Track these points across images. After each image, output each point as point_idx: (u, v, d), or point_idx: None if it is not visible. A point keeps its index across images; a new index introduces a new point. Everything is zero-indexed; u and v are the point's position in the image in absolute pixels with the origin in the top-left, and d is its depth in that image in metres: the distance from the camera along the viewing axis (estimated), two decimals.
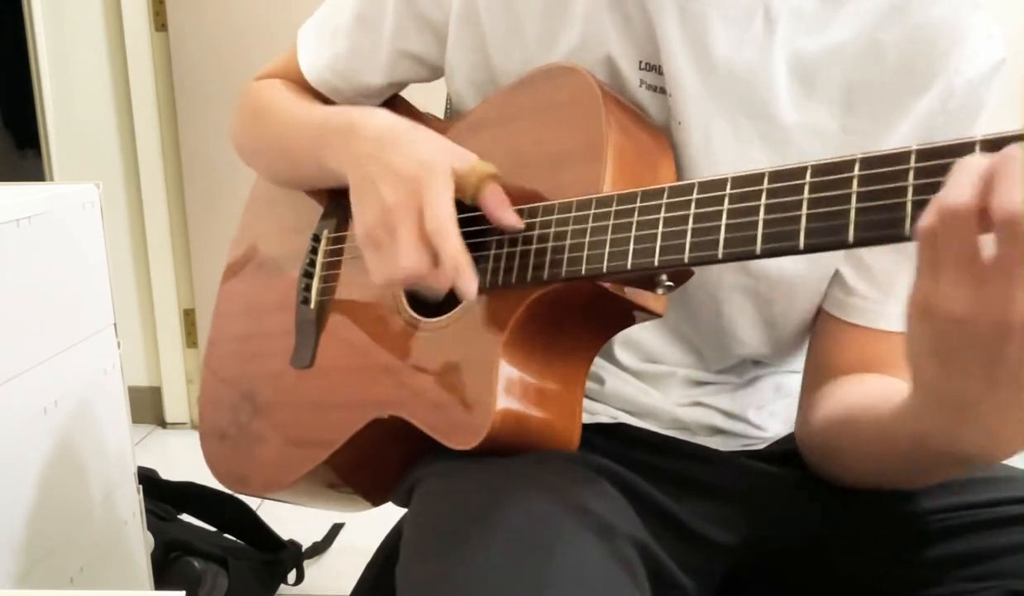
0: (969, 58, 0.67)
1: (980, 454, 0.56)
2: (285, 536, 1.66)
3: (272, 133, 0.91)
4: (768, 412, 0.81)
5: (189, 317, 2.46)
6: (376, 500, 0.89)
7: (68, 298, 1.22)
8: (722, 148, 0.70)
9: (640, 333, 0.77)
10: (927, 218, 0.46)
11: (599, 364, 0.77)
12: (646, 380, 0.78)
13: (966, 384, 0.50)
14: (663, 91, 0.71)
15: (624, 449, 0.73)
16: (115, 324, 1.31)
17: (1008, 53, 0.69)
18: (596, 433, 0.75)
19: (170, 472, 1.67)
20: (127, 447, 1.35)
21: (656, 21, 0.70)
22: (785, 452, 0.79)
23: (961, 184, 0.44)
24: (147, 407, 2.46)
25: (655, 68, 0.71)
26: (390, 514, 0.84)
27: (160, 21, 2.28)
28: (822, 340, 0.76)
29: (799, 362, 0.84)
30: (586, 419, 0.75)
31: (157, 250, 2.40)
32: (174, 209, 2.39)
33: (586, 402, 0.76)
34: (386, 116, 0.76)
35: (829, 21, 0.69)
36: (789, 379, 0.84)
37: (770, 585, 0.74)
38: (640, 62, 0.72)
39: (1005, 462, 0.73)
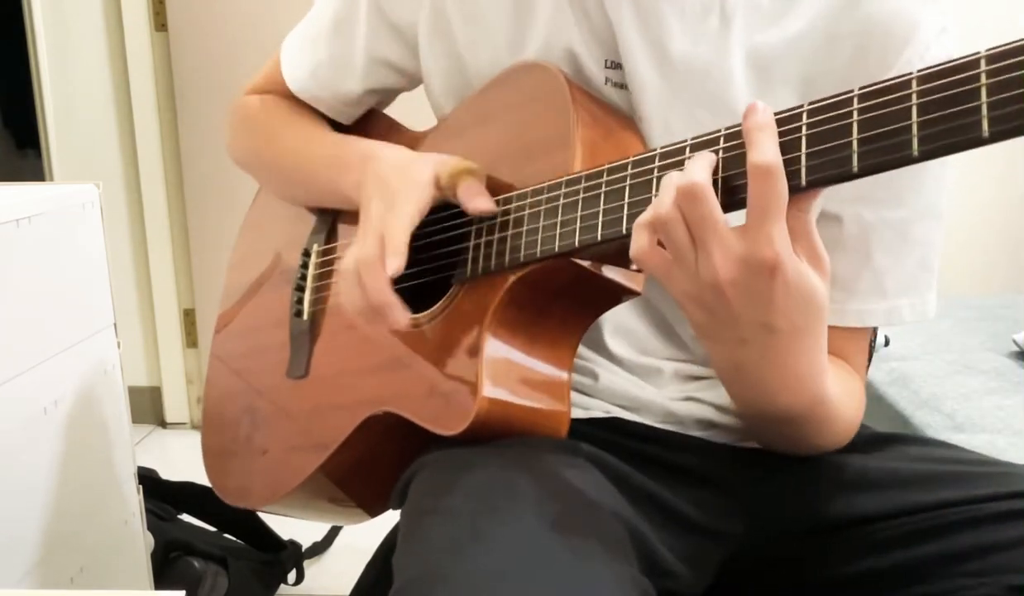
0: (920, 52, 0.68)
1: (785, 405, 0.65)
2: (285, 536, 1.66)
3: (276, 153, 0.93)
4: None
5: (189, 317, 2.46)
6: (373, 508, 0.90)
7: (68, 298, 1.22)
8: None
9: (628, 323, 0.78)
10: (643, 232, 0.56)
11: (592, 359, 0.78)
12: (639, 374, 0.78)
13: (726, 349, 0.61)
14: (627, 87, 0.73)
15: (617, 440, 0.74)
16: (115, 324, 1.32)
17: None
18: (589, 426, 0.75)
19: (170, 472, 1.67)
20: (127, 447, 1.36)
21: (614, 19, 0.72)
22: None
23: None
24: (147, 407, 2.46)
25: (619, 66, 0.73)
26: (390, 514, 0.84)
27: (160, 21, 2.28)
28: None
29: None
30: (580, 414, 0.76)
31: (157, 250, 2.40)
32: (174, 209, 2.39)
33: (580, 397, 0.77)
34: (397, 148, 0.80)
35: (785, 14, 0.70)
36: None
37: (765, 578, 0.75)
38: (605, 61, 0.74)
39: (1003, 460, 0.75)
